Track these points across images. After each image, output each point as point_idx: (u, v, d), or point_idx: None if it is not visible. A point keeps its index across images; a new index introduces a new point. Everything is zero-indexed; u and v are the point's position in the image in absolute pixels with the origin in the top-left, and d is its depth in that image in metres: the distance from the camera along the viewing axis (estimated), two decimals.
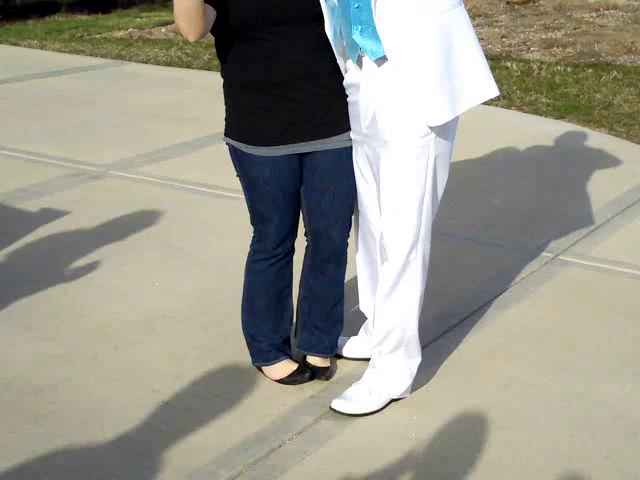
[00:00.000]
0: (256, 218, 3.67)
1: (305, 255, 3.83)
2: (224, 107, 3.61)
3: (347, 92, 3.53)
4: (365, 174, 3.60)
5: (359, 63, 3.42)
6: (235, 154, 3.60)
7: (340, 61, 3.49)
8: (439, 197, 3.55)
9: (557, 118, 8.37)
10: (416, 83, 3.29)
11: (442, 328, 4.33)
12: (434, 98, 3.30)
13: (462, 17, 3.36)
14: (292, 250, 3.77)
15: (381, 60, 3.34)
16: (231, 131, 3.59)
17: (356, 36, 3.35)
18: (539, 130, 7.89)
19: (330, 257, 3.75)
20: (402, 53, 3.27)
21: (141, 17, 15.76)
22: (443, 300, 4.57)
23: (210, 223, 5.75)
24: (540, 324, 4.40)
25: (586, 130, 7.84)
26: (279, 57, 3.39)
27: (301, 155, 3.57)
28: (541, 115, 8.50)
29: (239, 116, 3.54)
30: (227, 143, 3.63)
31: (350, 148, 3.60)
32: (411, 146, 3.36)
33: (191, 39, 3.30)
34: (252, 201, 3.64)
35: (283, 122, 3.47)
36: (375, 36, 3.29)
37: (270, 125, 3.48)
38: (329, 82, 3.49)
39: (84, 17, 15.82)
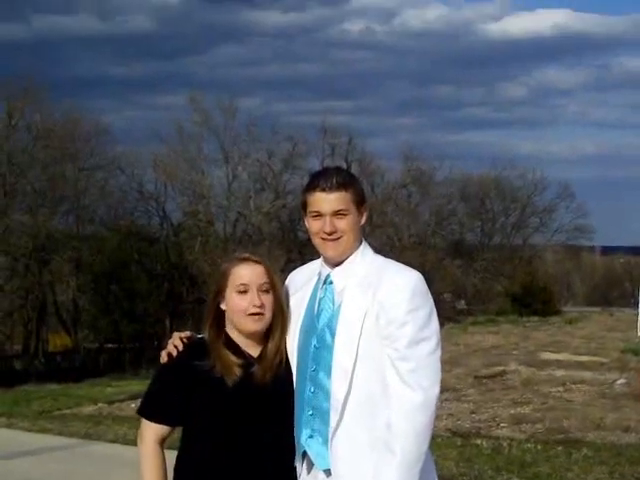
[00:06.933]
0: None
1: None
2: None
3: None
4: None
5: (308, 467, 3.48)
6: None
7: (297, 464, 3.53)
8: None
9: None
10: None
11: None
12: None
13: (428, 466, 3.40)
14: None
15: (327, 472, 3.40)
16: None
17: (305, 440, 3.43)
18: None
19: None
20: None
21: (112, 386, 15.95)
22: None
23: None
24: None
25: None
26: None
27: None
28: None
29: None
30: None
31: None
32: None
33: None
34: None
35: None
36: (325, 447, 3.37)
37: None
38: None
39: (54, 386, 15.94)
